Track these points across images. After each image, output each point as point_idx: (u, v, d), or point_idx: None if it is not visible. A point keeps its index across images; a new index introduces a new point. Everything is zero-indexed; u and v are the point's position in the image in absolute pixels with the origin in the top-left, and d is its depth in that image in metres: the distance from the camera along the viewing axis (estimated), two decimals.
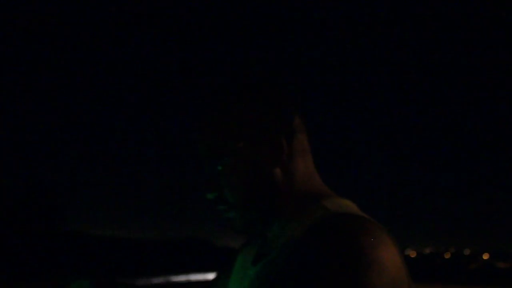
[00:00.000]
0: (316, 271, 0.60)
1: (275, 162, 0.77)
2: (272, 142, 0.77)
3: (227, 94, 0.79)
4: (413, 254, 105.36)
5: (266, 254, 0.78)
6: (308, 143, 0.82)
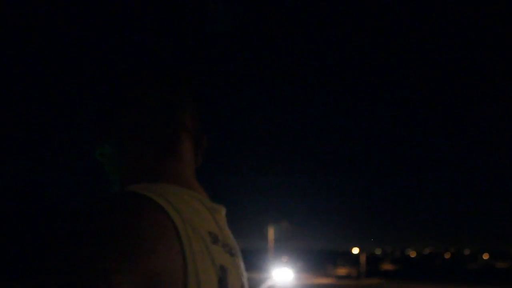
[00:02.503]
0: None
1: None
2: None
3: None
4: (413, 254, 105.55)
5: None
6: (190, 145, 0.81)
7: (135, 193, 0.61)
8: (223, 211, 0.78)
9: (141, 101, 0.76)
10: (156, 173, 0.75)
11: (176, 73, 0.80)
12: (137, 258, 0.53)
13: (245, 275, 0.79)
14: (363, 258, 43.47)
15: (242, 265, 0.79)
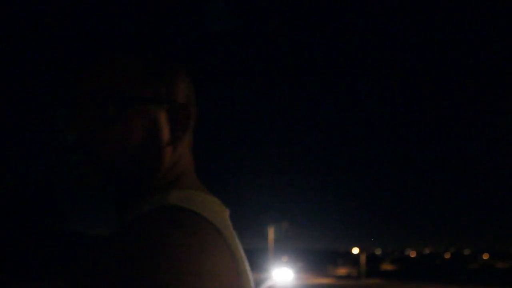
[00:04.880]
0: (110, 267, 0.51)
1: (173, 131, 0.70)
2: (176, 106, 0.70)
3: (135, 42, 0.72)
4: (413, 254, 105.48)
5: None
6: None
7: (189, 211, 0.59)
8: (228, 213, 0.74)
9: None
10: (176, 175, 0.70)
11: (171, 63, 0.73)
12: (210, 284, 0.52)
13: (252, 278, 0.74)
14: (363, 258, 43.42)
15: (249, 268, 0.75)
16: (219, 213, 0.65)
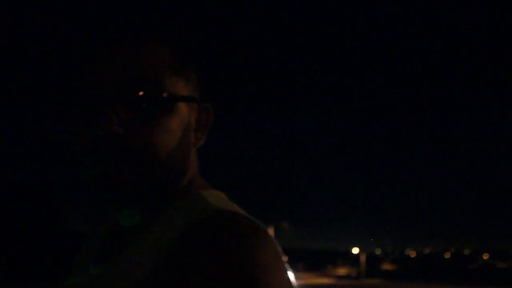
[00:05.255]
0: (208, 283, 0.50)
1: (196, 131, 0.67)
2: (202, 107, 0.68)
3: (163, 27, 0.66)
4: (413, 254, 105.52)
5: (119, 248, 0.64)
6: None
7: (245, 217, 0.57)
8: None
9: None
10: (194, 175, 0.67)
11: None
12: None
13: None
14: (363, 258, 43.45)
15: None
16: None
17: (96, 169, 0.59)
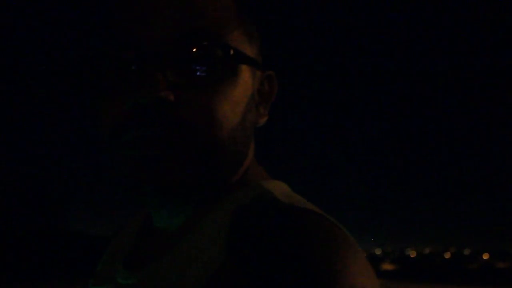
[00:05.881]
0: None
1: (260, 104, 0.53)
2: (266, 75, 0.53)
3: None
4: (413, 254, 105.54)
5: (156, 254, 0.49)
6: None
7: (319, 215, 0.44)
8: None
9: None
10: (252, 161, 0.53)
11: None
12: None
13: None
14: None
15: None
16: None
17: (136, 150, 0.43)
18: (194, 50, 0.43)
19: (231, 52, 0.44)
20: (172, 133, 0.42)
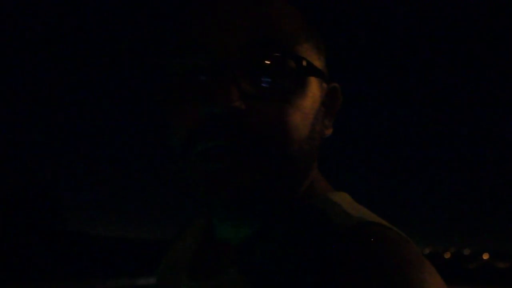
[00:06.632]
0: None
1: (326, 116, 0.52)
2: (333, 88, 0.53)
3: None
4: None
5: (223, 265, 0.49)
6: None
7: (393, 230, 0.46)
8: None
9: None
10: (316, 171, 0.53)
11: None
12: None
13: None
14: None
15: None
16: None
17: (208, 163, 0.43)
18: (267, 61, 0.43)
19: (304, 63, 0.44)
20: (243, 144, 0.43)
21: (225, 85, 0.41)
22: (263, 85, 0.43)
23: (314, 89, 0.48)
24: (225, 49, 0.43)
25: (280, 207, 0.47)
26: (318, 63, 0.49)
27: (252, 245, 0.47)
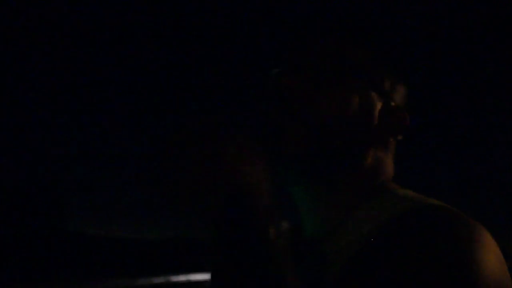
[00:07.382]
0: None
1: (381, 130, 0.60)
2: (395, 107, 0.61)
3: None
4: None
5: (299, 258, 0.55)
6: None
7: (466, 217, 0.50)
8: None
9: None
10: (379, 179, 0.61)
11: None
12: None
13: None
14: None
15: None
16: None
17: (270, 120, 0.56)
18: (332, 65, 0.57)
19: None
20: (302, 125, 0.55)
21: (295, 82, 0.56)
22: (323, 82, 0.56)
23: (367, 96, 0.57)
24: (305, 58, 0.58)
25: (345, 179, 0.57)
26: (376, 80, 0.58)
27: (326, 238, 0.54)
